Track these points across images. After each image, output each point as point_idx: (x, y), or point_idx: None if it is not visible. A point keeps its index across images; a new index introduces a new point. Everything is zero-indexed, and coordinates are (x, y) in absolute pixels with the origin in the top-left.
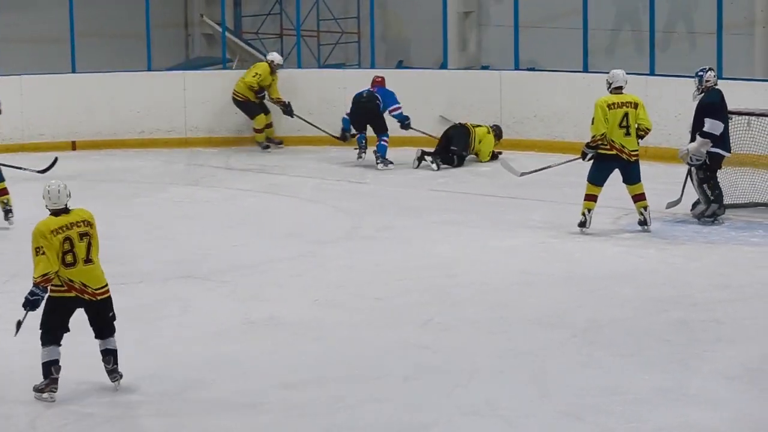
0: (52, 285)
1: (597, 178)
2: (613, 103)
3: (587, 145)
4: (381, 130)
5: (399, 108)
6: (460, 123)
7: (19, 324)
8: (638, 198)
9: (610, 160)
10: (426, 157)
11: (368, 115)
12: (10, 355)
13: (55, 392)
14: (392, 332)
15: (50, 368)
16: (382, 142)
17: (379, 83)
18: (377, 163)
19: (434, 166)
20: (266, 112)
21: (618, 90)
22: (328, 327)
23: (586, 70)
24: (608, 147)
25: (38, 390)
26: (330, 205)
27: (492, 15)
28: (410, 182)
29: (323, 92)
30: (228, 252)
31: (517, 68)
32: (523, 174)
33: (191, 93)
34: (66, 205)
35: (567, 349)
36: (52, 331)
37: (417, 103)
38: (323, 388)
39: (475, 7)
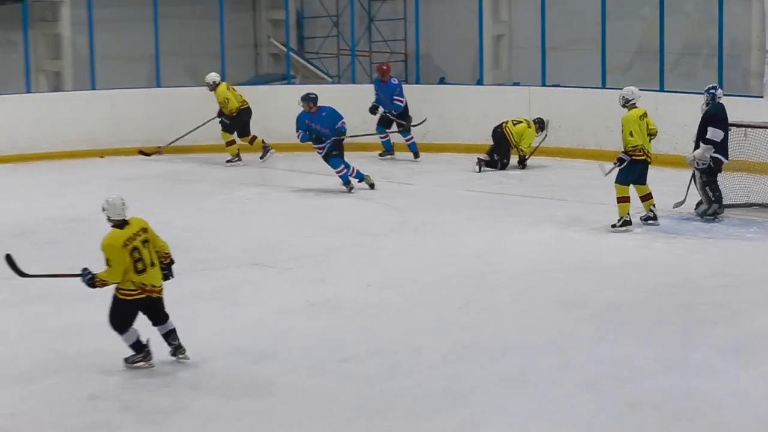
0: (124, 289)
1: (629, 179)
2: (640, 116)
3: (626, 153)
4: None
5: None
6: (498, 127)
7: (11, 260)
8: (648, 197)
9: (639, 164)
10: (480, 162)
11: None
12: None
13: (151, 360)
14: (436, 312)
15: (139, 343)
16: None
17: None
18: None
19: (477, 168)
20: (229, 131)
21: (635, 104)
22: (379, 307)
23: (603, 86)
24: (640, 153)
25: (132, 362)
26: (381, 202)
27: (522, 38)
28: (450, 183)
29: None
30: (293, 242)
31: (543, 85)
32: (607, 174)
33: (259, 104)
34: (125, 216)
35: (586, 327)
36: (126, 326)
37: (456, 114)
38: (375, 360)
39: (506, 31)
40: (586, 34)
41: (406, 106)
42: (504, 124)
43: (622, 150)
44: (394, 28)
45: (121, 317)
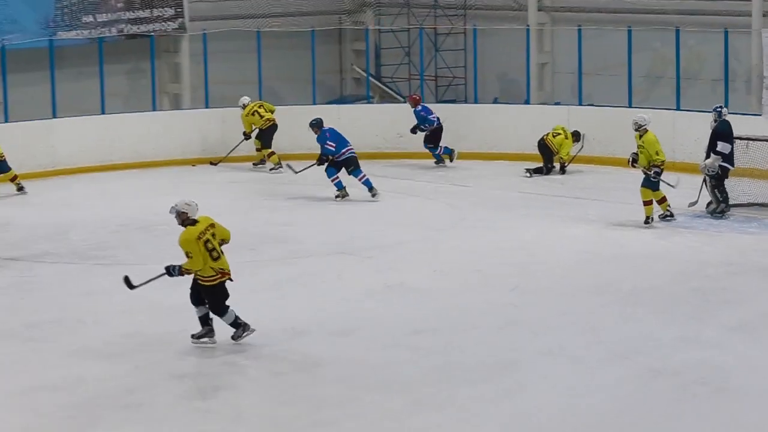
0: (206, 277)
1: (656, 186)
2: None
3: (659, 167)
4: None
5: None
6: (540, 139)
7: (127, 280)
8: (663, 199)
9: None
10: (529, 170)
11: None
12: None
13: (213, 336)
14: (488, 295)
15: (209, 320)
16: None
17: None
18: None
19: (528, 174)
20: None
21: (646, 129)
22: (441, 291)
23: (630, 106)
24: (662, 165)
25: (198, 337)
26: (443, 202)
27: (562, 65)
28: (502, 186)
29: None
30: (370, 235)
31: (580, 104)
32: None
33: (344, 120)
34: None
35: (615, 308)
36: (223, 303)
37: (507, 128)
38: (440, 335)
39: (549, 60)
40: (615, 61)
41: (435, 126)
42: (545, 136)
43: (651, 164)
44: (455, 57)
45: (212, 297)
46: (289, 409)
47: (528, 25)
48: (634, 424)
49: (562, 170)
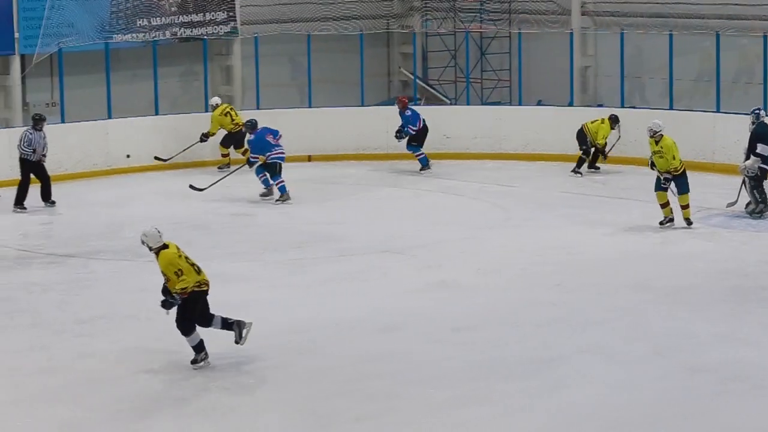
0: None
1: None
2: None
3: (670, 173)
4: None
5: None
6: (579, 129)
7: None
8: (668, 204)
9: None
10: (575, 170)
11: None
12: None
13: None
14: (530, 292)
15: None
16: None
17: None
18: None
19: (578, 174)
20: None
21: (661, 135)
22: (485, 288)
23: (671, 108)
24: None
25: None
26: (487, 201)
27: (604, 68)
28: (546, 186)
29: (485, 121)
30: (416, 234)
31: (622, 106)
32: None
33: (391, 121)
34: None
35: (655, 306)
36: (191, 320)
37: (551, 130)
38: (482, 331)
39: (592, 63)
40: (657, 64)
41: (421, 127)
42: (583, 125)
43: (674, 168)
44: (501, 60)
45: (191, 314)
46: (334, 403)
47: (572, 30)
48: (673, 420)
49: (603, 155)
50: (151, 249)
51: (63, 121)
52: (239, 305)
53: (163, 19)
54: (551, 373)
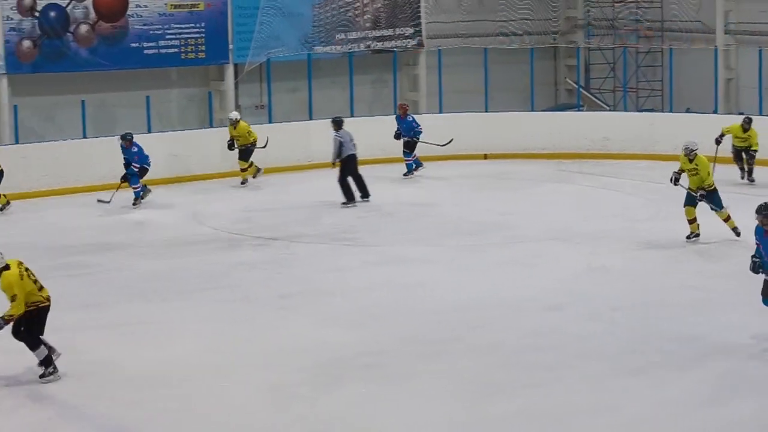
0: (34, 302)
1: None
2: None
3: (705, 189)
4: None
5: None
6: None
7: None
8: (726, 219)
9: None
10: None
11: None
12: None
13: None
14: (679, 275)
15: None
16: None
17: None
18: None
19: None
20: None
21: (696, 153)
22: (637, 271)
23: None
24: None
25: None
26: (642, 197)
27: (745, 80)
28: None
29: (640, 126)
30: (579, 223)
31: (760, 114)
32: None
33: (557, 124)
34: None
35: (707, 300)
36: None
37: (699, 134)
38: (636, 311)
39: (734, 75)
40: None
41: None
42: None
43: (698, 187)
44: (654, 72)
45: (37, 329)
46: (503, 372)
47: (716, 46)
48: None
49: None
50: None
51: (270, 122)
52: (416, 284)
53: (358, 33)
54: (696, 347)
